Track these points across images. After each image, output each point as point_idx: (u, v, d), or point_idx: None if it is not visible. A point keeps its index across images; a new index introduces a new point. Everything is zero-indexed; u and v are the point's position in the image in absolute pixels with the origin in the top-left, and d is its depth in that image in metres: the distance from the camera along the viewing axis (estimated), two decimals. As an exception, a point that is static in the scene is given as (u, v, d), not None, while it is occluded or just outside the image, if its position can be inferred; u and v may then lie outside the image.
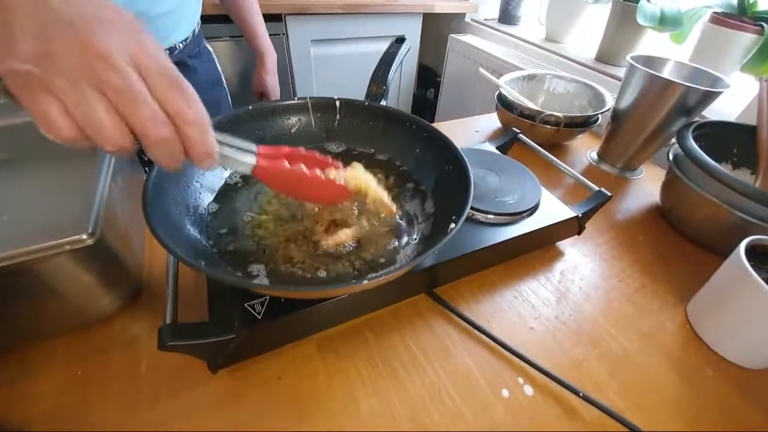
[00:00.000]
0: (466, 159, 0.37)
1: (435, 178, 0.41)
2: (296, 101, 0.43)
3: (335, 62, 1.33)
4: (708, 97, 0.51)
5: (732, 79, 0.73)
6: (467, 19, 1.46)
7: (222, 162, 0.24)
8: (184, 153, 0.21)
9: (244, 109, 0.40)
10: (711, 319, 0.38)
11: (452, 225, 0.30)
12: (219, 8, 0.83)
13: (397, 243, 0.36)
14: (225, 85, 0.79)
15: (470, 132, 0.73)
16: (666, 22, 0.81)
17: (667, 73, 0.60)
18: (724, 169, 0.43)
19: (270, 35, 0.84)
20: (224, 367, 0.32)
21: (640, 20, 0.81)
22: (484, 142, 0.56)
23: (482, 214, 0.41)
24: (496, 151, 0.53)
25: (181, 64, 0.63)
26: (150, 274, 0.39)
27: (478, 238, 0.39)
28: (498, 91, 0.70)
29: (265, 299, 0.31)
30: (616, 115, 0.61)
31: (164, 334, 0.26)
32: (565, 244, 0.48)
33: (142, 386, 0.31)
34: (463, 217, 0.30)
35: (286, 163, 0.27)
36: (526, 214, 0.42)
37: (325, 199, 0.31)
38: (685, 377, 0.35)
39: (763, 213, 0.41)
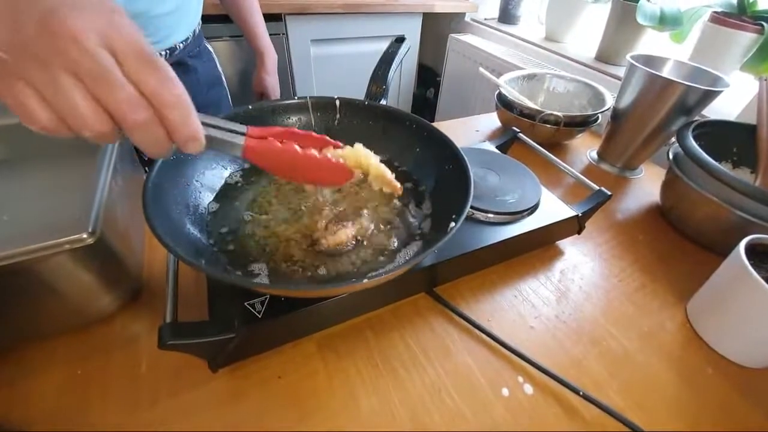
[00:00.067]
0: (466, 158, 0.37)
1: (435, 178, 0.41)
2: (296, 101, 0.43)
3: (335, 62, 1.33)
4: (708, 96, 0.51)
5: (732, 78, 0.73)
6: (467, 18, 1.46)
7: (210, 144, 0.23)
8: (167, 137, 0.21)
9: (243, 109, 0.40)
10: (711, 318, 0.38)
11: (452, 224, 0.30)
12: (219, 8, 0.83)
13: (397, 242, 0.36)
14: (225, 85, 0.79)
15: (470, 131, 0.73)
16: (666, 21, 0.81)
17: (667, 72, 0.60)
18: (724, 168, 0.43)
19: (270, 35, 0.84)
20: (224, 366, 0.32)
21: (639, 20, 0.81)
22: (484, 141, 0.56)
23: (482, 214, 0.41)
24: (496, 151, 0.53)
25: (181, 64, 0.63)
26: (150, 273, 0.39)
27: (478, 237, 0.39)
28: (498, 91, 0.70)
29: (266, 298, 0.31)
30: (616, 115, 0.61)
31: (164, 333, 0.26)
32: (565, 244, 0.48)
33: (142, 386, 0.31)
34: (463, 216, 0.30)
35: (278, 143, 0.26)
36: (526, 213, 0.42)
37: (323, 179, 0.29)
38: (685, 376, 0.35)
39: (763, 212, 0.41)
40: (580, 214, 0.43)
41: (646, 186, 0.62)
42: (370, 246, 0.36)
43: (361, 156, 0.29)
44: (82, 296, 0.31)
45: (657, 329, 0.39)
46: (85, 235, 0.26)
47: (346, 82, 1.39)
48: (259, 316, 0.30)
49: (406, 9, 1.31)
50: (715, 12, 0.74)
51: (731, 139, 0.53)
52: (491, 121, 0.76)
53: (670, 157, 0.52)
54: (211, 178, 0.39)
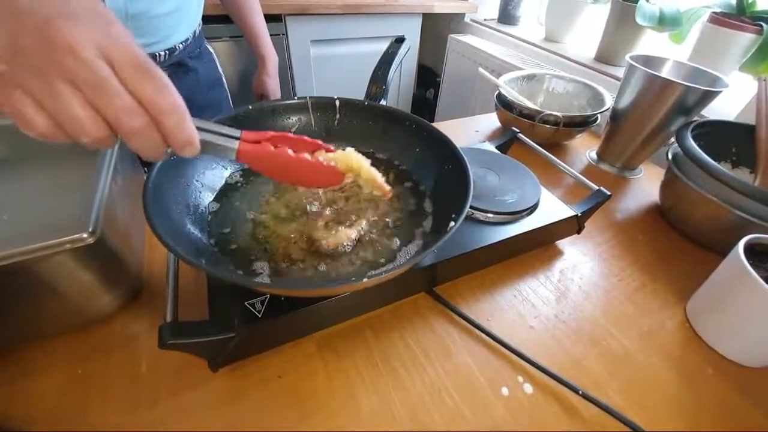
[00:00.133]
0: (465, 158, 0.37)
1: (435, 177, 0.41)
2: (296, 101, 0.43)
3: (335, 62, 1.33)
4: (707, 96, 0.51)
5: (731, 78, 0.73)
6: (467, 19, 1.46)
7: (204, 149, 0.24)
8: (163, 142, 0.21)
9: (243, 109, 0.40)
10: (710, 317, 0.38)
11: (452, 223, 0.30)
12: (219, 8, 0.83)
13: (397, 242, 0.36)
14: (226, 86, 0.79)
15: (470, 131, 0.73)
16: (665, 22, 0.81)
17: (666, 72, 0.60)
18: (723, 168, 0.43)
19: (270, 35, 0.84)
20: (224, 366, 0.32)
21: (639, 20, 0.81)
22: (484, 141, 0.56)
23: (482, 213, 0.41)
24: (496, 151, 0.53)
25: (181, 65, 0.63)
26: (150, 273, 0.39)
27: (477, 237, 0.39)
28: (497, 91, 0.70)
29: (266, 298, 0.31)
30: (616, 115, 0.61)
31: (164, 332, 0.26)
32: (564, 243, 0.48)
33: (142, 385, 0.31)
34: (463, 216, 0.30)
35: (271, 146, 0.26)
36: (525, 213, 0.42)
37: (315, 182, 0.30)
38: (685, 376, 0.35)
39: (762, 212, 0.41)
40: (579, 214, 0.43)
41: (646, 186, 0.62)
42: (369, 246, 0.36)
43: (352, 160, 0.30)
44: (82, 296, 0.31)
45: (657, 329, 0.39)
46: (85, 235, 0.26)
47: (346, 83, 1.39)
48: (259, 316, 0.30)
49: (406, 9, 1.31)
50: (714, 12, 0.74)
51: (730, 139, 0.53)
52: (491, 121, 0.76)
53: (670, 157, 0.52)
54: (211, 178, 0.39)
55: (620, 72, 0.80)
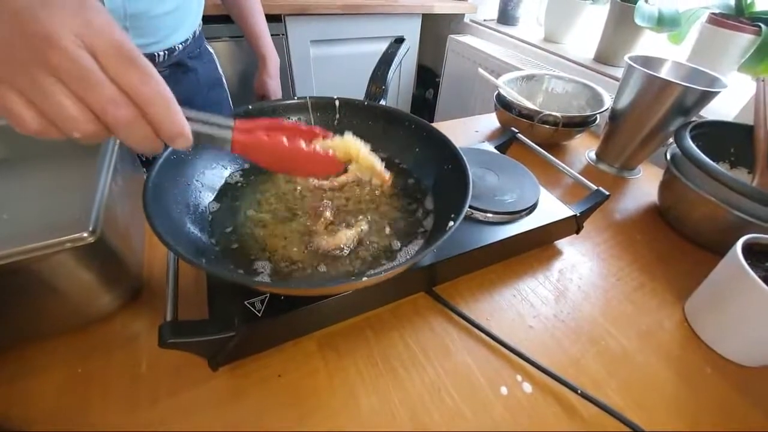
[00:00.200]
0: (465, 158, 0.37)
1: (434, 177, 0.41)
2: (296, 101, 0.43)
3: (335, 62, 1.33)
4: (705, 97, 0.51)
5: (729, 79, 0.73)
6: (466, 19, 1.46)
7: (198, 140, 0.23)
8: (154, 134, 0.21)
9: (244, 109, 0.40)
10: (709, 317, 0.38)
11: (451, 223, 0.30)
12: (220, 8, 0.83)
13: (396, 242, 0.36)
14: (226, 87, 0.78)
15: (469, 132, 0.73)
16: (664, 22, 0.81)
17: (664, 73, 0.60)
18: (722, 168, 0.43)
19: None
20: (224, 365, 0.32)
21: (638, 21, 0.81)
22: (483, 141, 0.56)
23: (481, 213, 0.41)
24: (495, 151, 0.53)
25: (181, 65, 0.63)
26: (150, 273, 0.39)
27: (476, 236, 0.39)
28: (497, 91, 0.70)
29: (266, 297, 0.31)
30: (614, 115, 0.61)
31: (165, 331, 0.27)
32: (563, 243, 0.48)
33: (142, 385, 0.31)
34: (462, 215, 0.30)
35: (265, 136, 0.26)
36: (524, 213, 0.43)
37: (313, 171, 0.29)
38: (684, 375, 0.35)
39: (761, 212, 0.41)
40: (578, 214, 0.43)
41: (644, 186, 0.62)
42: (369, 246, 0.36)
43: (351, 146, 0.29)
44: (82, 295, 0.31)
45: (655, 328, 0.39)
46: (85, 234, 0.26)
47: (346, 83, 1.39)
48: (259, 315, 0.30)
49: (406, 10, 1.31)
50: (713, 13, 0.74)
51: (729, 140, 0.53)
52: (490, 121, 0.76)
53: (668, 157, 0.52)
54: (211, 178, 0.39)
55: (619, 72, 0.80)
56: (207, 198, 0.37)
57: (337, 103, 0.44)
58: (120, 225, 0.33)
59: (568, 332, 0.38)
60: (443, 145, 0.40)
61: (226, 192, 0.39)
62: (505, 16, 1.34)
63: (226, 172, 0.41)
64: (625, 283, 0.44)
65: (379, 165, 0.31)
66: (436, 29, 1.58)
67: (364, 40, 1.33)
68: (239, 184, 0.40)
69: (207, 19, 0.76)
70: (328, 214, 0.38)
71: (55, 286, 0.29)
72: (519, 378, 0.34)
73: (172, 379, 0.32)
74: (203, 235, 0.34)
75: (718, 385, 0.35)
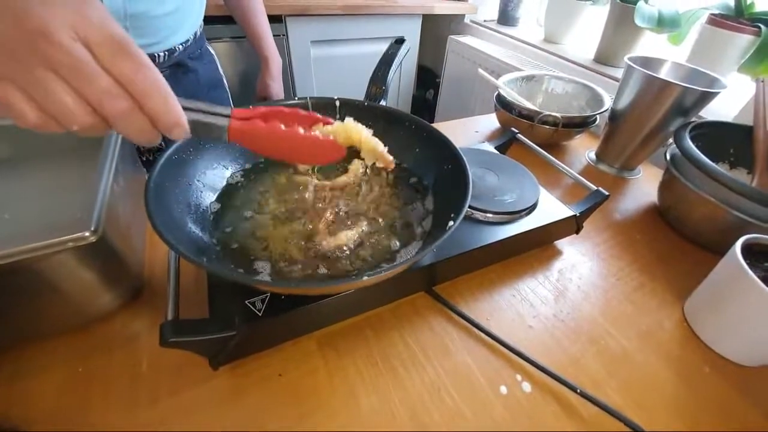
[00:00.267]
0: (465, 158, 0.37)
1: (434, 177, 0.42)
2: (296, 101, 0.43)
3: (335, 63, 1.33)
4: (705, 97, 0.52)
5: (729, 79, 0.73)
6: (466, 20, 1.47)
7: (195, 130, 0.23)
8: (151, 125, 0.21)
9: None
10: (708, 317, 0.38)
11: (451, 223, 0.31)
12: (222, 9, 0.83)
13: (396, 242, 0.36)
14: (227, 88, 0.78)
15: (469, 132, 0.73)
16: (664, 23, 0.81)
17: (664, 74, 0.60)
18: (721, 168, 0.43)
19: (270, 36, 0.84)
20: (225, 364, 0.32)
21: (638, 21, 0.81)
22: (483, 142, 0.56)
23: (481, 213, 0.41)
24: (495, 151, 0.53)
25: (181, 66, 0.64)
26: (151, 273, 0.40)
27: (476, 236, 0.39)
28: (497, 92, 0.70)
29: (266, 296, 0.31)
30: (614, 116, 0.61)
31: (166, 330, 0.27)
32: (563, 243, 0.49)
33: (142, 384, 0.31)
34: (462, 215, 0.30)
35: (262, 123, 0.25)
36: (524, 213, 0.43)
37: (314, 158, 0.28)
38: (683, 375, 0.36)
39: (760, 212, 0.41)
40: (578, 214, 0.44)
41: (644, 186, 0.62)
42: (369, 246, 0.36)
43: (352, 131, 0.28)
44: (83, 294, 0.31)
45: (655, 328, 0.39)
46: (87, 234, 0.26)
47: (346, 83, 1.39)
48: (260, 314, 0.30)
49: (406, 11, 1.31)
50: (713, 14, 0.74)
51: (728, 140, 0.53)
52: (490, 122, 0.76)
53: (668, 157, 0.52)
54: (212, 178, 0.39)
55: (619, 73, 0.80)
56: (208, 198, 0.38)
57: (337, 103, 0.44)
58: (121, 225, 0.33)
59: (567, 332, 0.38)
60: (443, 145, 0.40)
61: (227, 192, 0.39)
62: (505, 17, 1.35)
63: (228, 173, 0.41)
64: (624, 283, 0.44)
65: (381, 148, 0.30)
66: (437, 30, 1.58)
67: (364, 40, 1.33)
68: (240, 185, 0.40)
69: (208, 20, 0.76)
70: (328, 214, 0.38)
71: (57, 286, 0.29)
72: (519, 377, 0.34)
73: (173, 378, 0.32)
74: (204, 235, 0.34)
75: (718, 384, 0.35)
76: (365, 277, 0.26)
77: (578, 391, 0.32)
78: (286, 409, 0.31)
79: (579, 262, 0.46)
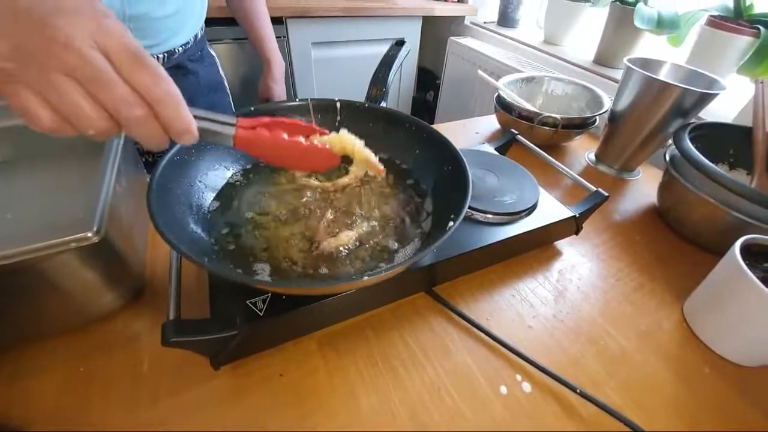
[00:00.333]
0: (465, 159, 0.37)
1: (434, 178, 0.42)
2: (297, 102, 0.43)
3: (336, 65, 1.33)
4: (704, 99, 0.52)
5: (728, 81, 0.73)
6: (466, 22, 1.47)
7: (202, 137, 0.24)
8: (163, 131, 0.22)
9: (246, 110, 0.41)
10: (707, 317, 0.39)
11: (451, 223, 0.31)
12: (223, 11, 0.83)
13: (397, 243, 0.37)
14: (227, 90, 0.78)
15: (469, 133, 0.73)
16: (663, 25, 0.82)
17: (663, 75, 0.60)
18: (721, 170, 0.43)
19: (272, 38, 0.84)
20: (226, 364, 0.32)
21: (637, 23, 0.82)
22: (483, 143, 0.56)
23: (481, 214, 0.41)
24: (495, 152, 0.53)
25: (180, 68, 0.64)
26: (152, 273, 0.40)
27: (476, 237, 0.39)
28: (497, 93, 0.71)
29: (267, 296, 0.31)
30: (614, 117, 0.61)
31: (168, 330, 0.27)
32: (563, 244, 0.49)
33: (143, 384, 0.31)
34: (462, 216, 0.31)
35: (266, 132, 0.27)
36: (524, 213, 0.43)
37: (311, 165, 0.31)
38: (683, 375, 0.36)
39: (759, 213, 0.41)
40: (577, 215, 0.44)
41: (644, 187, 0.62)
42: (370, 247, 0.36)
43: (346, 141, 0.31)
44: (85, 295, 0.32)
45: (654, 328, 0.40)
46: (90, 234, 0.26)
47: (347, 85, 1.40)
48: (261, 314, 0.30)
49: (406, 12, 1.32)
50: (712, 16, 0.75)
51: (727, 141, 0.54)
52: (490, 123, 0.76)
53: (667, 159, 0.52)
54: (213, 179, 0.39)
55: (618, 74, 0.80)
56: (209, 198, 0.38)
57: (338, 104, 0.44)
58: (123, 225, 0.33)
59: (567, 332, 0.38)
60: (443, 146, 0.40)
61: (228, 193, 0.39)
62: (505, 19, 1.35)
63: (228, 173, 0.41)
64: (624, 283, 0.44)
65: (373, 158, 0.33)
66: (437, 31, 1.59)
67: (364, 42, 1.34)
68: (241, 185, 0.41)
69: (210, 21, 0.76)
70: (329, 215, 0.38)
71: (58, 286, 0.29)
72: (518, 377, 0.34)
73: (174, 378, 0.32)
74: (205, 235, 0.34)
75: (717, 384, 0.35)
76: (366, 278, 0.26)
77: (578, 391, 0.32)
78: (287, 409, 0.31)
79: (578, 262, 0.47)
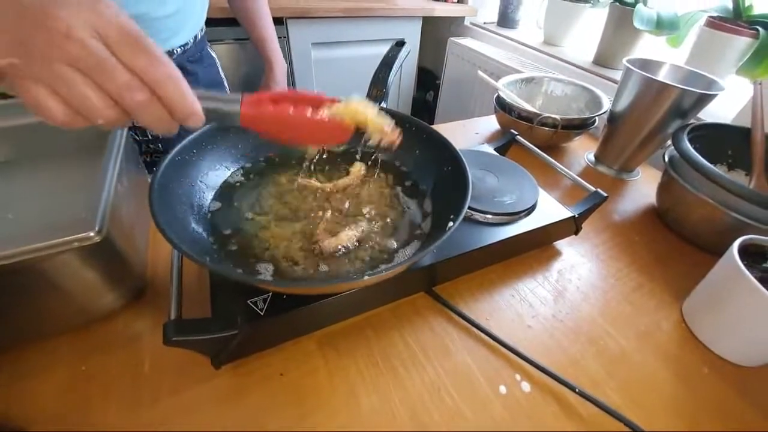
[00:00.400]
0: (464, 160, 0.37)
1: (434, 179, 0.42)
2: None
3: (336, 65, 1.34)
4: (703, 99, 0.52)
5: (727, 82, 0.73)
6: (466, 22, 1.47)
7: (209, 118, 0.24)
8: (169, 115, 0.22)
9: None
10: (706, 317, 0.39)
11: (451, 224, 0.31)
12: (225, 11, 0.82)
13: (396, 243, 0.37)
14: (228, 91, 0.78)
15: (469, 134, 0.73)
16: (662, 25, 0.82)
17: (663, 76, 0.60)
18: (719, 170, 0.43)
19: (273, 39, 0.84)
20: (227, 364, 0.32)
21: (636, 24, 0.82)
22: (483, 143, 0.56)
23: (481, 214, 0.42)
24: (495, 153, 0.54)
25: (180, 69, 0.64)
26: (153, 273, 0.40)
27: (476, 237, 0.39)
28: (497, 94, 0.71)
29: (268, 296, 0.31)
30: (613, 118, 0.62)
31: (169, 329, 0.27)
32: (562, 244, 0.49)
33: (144, 384, 0.31)
34: (461, 216, 0.31)
35: (271, 106, 0.26)
36: (523, 214, 0.43)
37: (322, 139, 0.29)
38: (682, 375, 0.36)
39: (758, 213, 0.42)
40: (576, 215, 0.44)
41: (643, 188, 0.62)
42: (370, 247, 0.36)
43: (358, 110, 0.29)
44: (86, 294, 0.32)
45: (653, 329, 0.40)
46: (92, 234, 0.26)
47: (347, 85, 1.40)
48: (262, 314, 0.30)
49: (406, 13, 1.32)
50: (711, 17, 0.75)
51: (726, 142, 0.54)
52: (490, 123, 0.76)
53: (666, 159, 0.53)
54: (214, 179, 0.39)
55: (618, 75, 0.80)
56: (210, 198, 0.38)
57: (338, 105, 0.44)
58: (125, 225, 0.34)
59: (567, 332, 0.38)
60: (443, 146, 0.40)
61: (228, 193, 0.39)
62: (505, 19, 1.35)
63: (229, 173, 0.41)
64: (623, 283, 0.45)
65: (388, 125, 0.31)
66: (437, 32, 1.59)
67: (365, 43, 1.34)
68: (242, 185, 0.41)
69: (211, 22, 0.76)
70: (329, 215, 0.38)
71: (59, 286, 0.29)
72: (518, 377, 0.34)
73: (175, 377, 0.32)
74: (206, 235, 0.34)
75: (716, 384, 0.35)
76: (366, 277, 0.26)
77: (577, 390, 0.33)
78: (287, 408, 0.31)
79: (578, 262, 0.47)
